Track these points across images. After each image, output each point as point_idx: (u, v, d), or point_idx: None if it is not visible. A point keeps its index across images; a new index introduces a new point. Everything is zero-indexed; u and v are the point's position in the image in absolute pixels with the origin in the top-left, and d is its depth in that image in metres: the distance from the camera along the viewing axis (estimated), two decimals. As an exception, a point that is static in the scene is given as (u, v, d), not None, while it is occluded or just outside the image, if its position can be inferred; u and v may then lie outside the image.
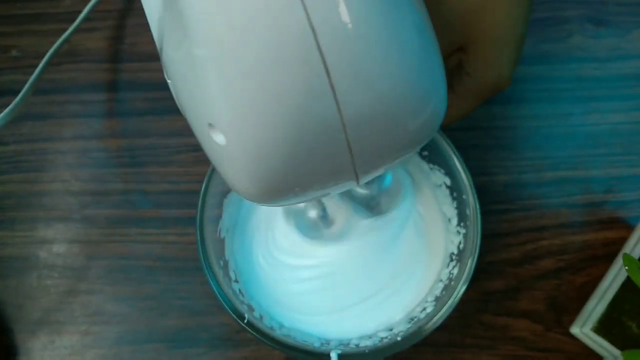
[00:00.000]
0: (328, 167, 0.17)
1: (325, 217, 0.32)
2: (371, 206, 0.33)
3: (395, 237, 0.33)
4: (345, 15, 0.15)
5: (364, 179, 0.19)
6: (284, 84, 0.15)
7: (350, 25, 0.15)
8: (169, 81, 0.20)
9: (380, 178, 0.31)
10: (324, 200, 0.31)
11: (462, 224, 0.31)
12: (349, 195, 0.32)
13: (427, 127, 0.19)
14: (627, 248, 0.34)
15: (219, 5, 0.15)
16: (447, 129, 0.31)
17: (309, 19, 0.15)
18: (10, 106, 0.32)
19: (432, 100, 0.18)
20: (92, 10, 0.38)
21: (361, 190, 0.32)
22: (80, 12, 0.38)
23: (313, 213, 0.32)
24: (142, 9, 0.23)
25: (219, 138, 0.17)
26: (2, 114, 0.32)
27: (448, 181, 0.32)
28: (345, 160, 0.17)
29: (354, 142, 0.17)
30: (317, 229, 0.32)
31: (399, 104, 0.17)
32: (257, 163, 0.17)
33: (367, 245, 0.33)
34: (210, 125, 0.17)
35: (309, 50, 0.15)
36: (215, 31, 0.15)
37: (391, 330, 0.31)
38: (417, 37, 0.18)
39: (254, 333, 0.28)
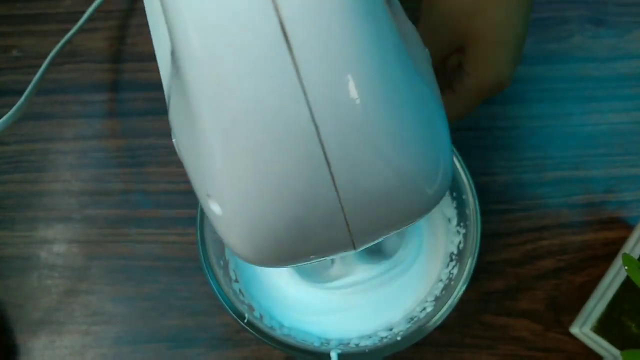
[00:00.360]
0: (326, 240, 0.17)
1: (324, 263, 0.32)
2: (373, 251, 0.33)
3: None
4: (348, 112, 0.15)
5: (362, 248, 0.19)
6: (284, 169, 0.16)
7: (353, 122, 0.15)
8: (174, 140, 0.20)
9: None
10: None
11: (462, 224, 0.31)
12: None
13: (428, 201, 0.18)
14: (626, 248, 0.34)
15: (225, 93, 0.15)
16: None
17: (312, 115, 0.15)
18: (14, 108, 0.33)
19: (437, 176, 0.18)
20: (93, 11, 0.38)
21: None
22: (80, 12, 0.38)
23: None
24: (143, 10, 0.23)
25: (216, 208, 0.17)
26: (6, 116, 0.32)
27: (448, 181, 0.32)
28: (343, 235, 0.17)
29: (352, 220, 0.17)
30: (316, 273, 0.32)
31: (400, 189, 0.17)
32: (252, 236, 0.17)
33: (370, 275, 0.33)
34: (208, 195, 0.17)
35: (311, 144, 0.15)
36: (219, 115, 0.15)
37: (391, 329, 0.31)
38: (422, 114, 0.17)
39: (254, 333, 0.28)
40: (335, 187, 0.16)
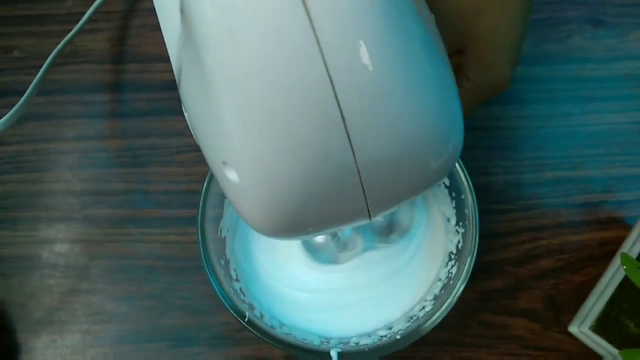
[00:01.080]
0: (341, 207, 0.17)
1: (338, 241, 0.32)
2: (382, 234, 0.33)
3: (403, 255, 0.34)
4: (363, 64, 0.15)
5: (377, 217, 0.18)
6: (300, 129, 0.15)
7: (368, 74, 0.15)
8: (185, 114, 0.20)
9: None
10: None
11: (460, 224, 0.32)
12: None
13: (445, 164, 0.18)
14: (625, 247, 0.34)
15: (239, 52, 0.15)
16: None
17: (326, 68, 0.15)
18: (15, 108, 0.33)
19: (451, 137, 0.18)
20: (94, 12, 0.38)
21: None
22: (81, 13, 0.39)
23: (324, 238, 0.32)
24: (144, 11, 0.24)
25: (232, 175, 0.17)
26: (7, 116, 0.32)
27: (447, 181, 0.33)
28: (358, 201, 0.17)
29: (368, 184, 0.17)
30: (326, 252, 0.33)
31: (416, 148, 0.17)
32: (269, 203, 0.17)
33: (374, 267, 0.33)
34: (224, 162, 0.17)
35: (326, 99, 0.15)
36: (234, 75, 0.15)
37: (391, 328, 0.31)
38: (434, 74, 0.17)
39: (255, 332, 0.29)
40: (352, 148, 0.16)
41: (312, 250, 0.33)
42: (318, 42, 0.14)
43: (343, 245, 0.33)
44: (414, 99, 0.16)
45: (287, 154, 0.16)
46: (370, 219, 0.18)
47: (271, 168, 0.16)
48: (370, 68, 0.15)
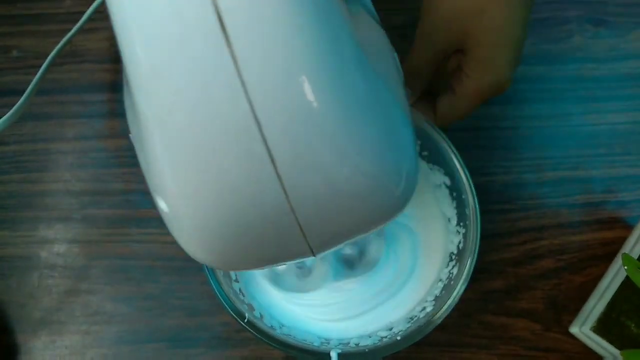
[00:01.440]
0: (281, 244, 0.17)
1: (302, 270, 0.29)
2: (351, 266, 0.30)
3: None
4: (291, 104, 0.14)
5: (322, 254, 0.18)
6: (225, 168, 0.15)
7: (296, 114, 0.14)
8: (130, 136, 0.20)
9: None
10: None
11: (461, 224, 0.32)
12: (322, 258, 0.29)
13: (390, 202, 0.17)
14: (626, 248, 0.34)
15: (162, 88, 0.15)
16: (448, 129, 0.32)
17: (252, 108, 0.14)
18: (14, 108, 0.33)
19: (396, 175, 0.17)
20: (94, 11, 0.38)
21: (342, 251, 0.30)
22: (80, 12, 0.38)
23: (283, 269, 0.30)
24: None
25: (162, 205, 0.17)
26: (6, 116, 0.32)
27: (447, 181, 0.33)
28: (297, 239, 0.16)
29: (306, 223, 0.16)
30: (289, 281, 0.30)
31: (354, 188, 0.16)
32: (199, 237, 0.16)
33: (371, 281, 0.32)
34: (154, 190, 0.17)
35: (252, 139, 0.14)
36: (159, 112, 0.15)
37: (391, 329, 0.31)
38: (373, 108, 0.16)
39: (254, 332, 0.28)
40: (284, 188, 0.15)
41: (274, 278, 0.30)
42: (242, 82, 0.14)
43: (308, 272, 0.30)
44: (348, 138, 0.15)
45: (214, 191, 0.15)
46: (314, 255, 0.17)
47: (197, 203, 0.16)
48: (299, 107, 0.14)
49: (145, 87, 0.15)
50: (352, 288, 0.33)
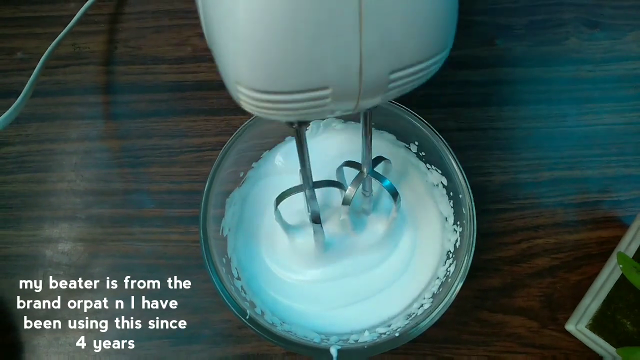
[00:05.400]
0: (332, 52, 0.17)
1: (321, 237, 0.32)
2: (366, 210, 0.33)
3: (392, 249, 0.34)
4: None
5: (364, 100, 0.18)
6: None
7: None
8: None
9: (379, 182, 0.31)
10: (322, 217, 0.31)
11: (458, 223, 0.32)
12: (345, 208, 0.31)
13: (441, 37, 0.18)
14: (621, 247, 0.35)
15: None
16: (445, 130, 0.32)
17: None
18: (12, 107, 0.33)
19: (450, 16, 0.18)
20: (97, 14, 0.39)
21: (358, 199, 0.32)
22: (85, 15, 0.39)
23: (311, 236, 0.32)
24: (147, 13, 0.24)
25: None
26: (3, 115, 0.32)
27: (445, 181, 0.33)
28: (352, 45, 0.16)
29: (368, 24, 0.16)
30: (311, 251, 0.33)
31: (419, 7, 0.17)
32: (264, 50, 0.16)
33: (365, 259, 0.34)
34: None
35: None
36: None
37: (389, 326, 0.31)
38: None
39: (256, 329, 0.29)
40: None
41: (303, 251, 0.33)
42: None
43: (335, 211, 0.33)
44: None
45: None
46: (359, 84, 0.17)
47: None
48: None
49: None
50: (347, 275, 0.33)
